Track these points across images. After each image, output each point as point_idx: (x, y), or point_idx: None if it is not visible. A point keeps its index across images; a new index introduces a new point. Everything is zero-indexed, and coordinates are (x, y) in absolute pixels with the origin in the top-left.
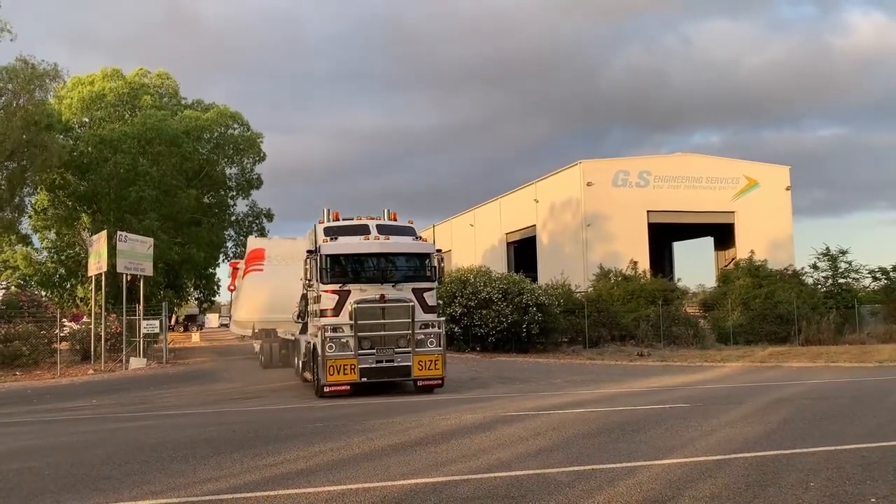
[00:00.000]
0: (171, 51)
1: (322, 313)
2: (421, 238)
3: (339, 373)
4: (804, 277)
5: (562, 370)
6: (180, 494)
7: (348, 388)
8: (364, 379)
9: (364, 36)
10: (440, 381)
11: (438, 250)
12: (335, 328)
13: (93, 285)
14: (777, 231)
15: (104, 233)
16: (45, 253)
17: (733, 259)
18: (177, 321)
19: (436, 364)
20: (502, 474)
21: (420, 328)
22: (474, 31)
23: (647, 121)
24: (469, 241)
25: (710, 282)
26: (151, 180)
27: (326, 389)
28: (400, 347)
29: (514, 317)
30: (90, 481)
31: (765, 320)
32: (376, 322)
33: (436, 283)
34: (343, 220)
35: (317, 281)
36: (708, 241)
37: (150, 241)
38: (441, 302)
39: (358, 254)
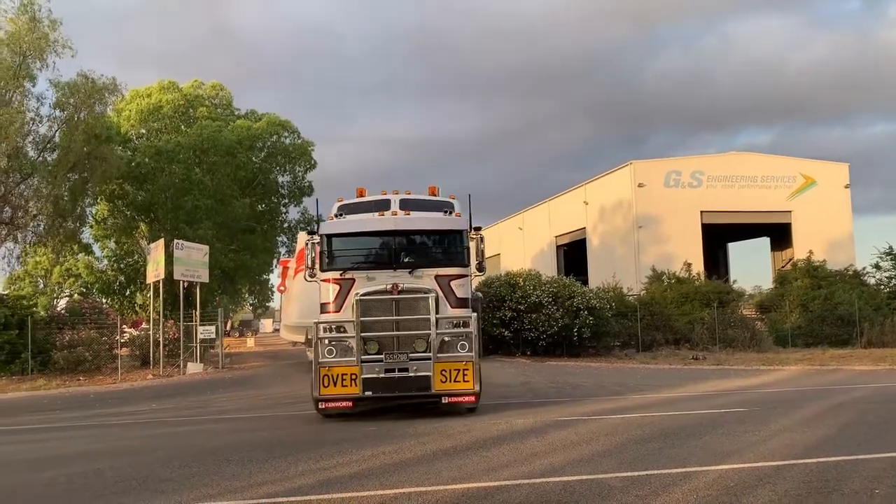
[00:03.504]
0: (215, 64)
1: (322, 308)
2: (457, 215)
3: (336, 384)
4: (866, 278)
5: (614, 374)
6: (237, 497)
7: (350, 403)
8: (368, 392)
9: (402, 45)
10: (473, 398)
11: (477, 228)
12: (333, 327)
13: (151, 292)
14: (836, 230)
15: (161, 241)
16: (105, 261)
17: (791, 259)
18: (232, 326)
19: (465, 375)
20: (555, 479)
21: (445, 327)
22: (512, 38)
23: (691, 121)
24: (518, 245)
25: (767, 283)
26: (206, 189)
27: (322, 405)
28: (417, 352)
29: (564, 321)
30: (151, 483)
31: (825, 322)
32: (387, 319)
33: (469, 268)
34: (368, 196)
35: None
36: (764, 242)
37: (206, 248)
38: (480, 294)
39: (363, 232)
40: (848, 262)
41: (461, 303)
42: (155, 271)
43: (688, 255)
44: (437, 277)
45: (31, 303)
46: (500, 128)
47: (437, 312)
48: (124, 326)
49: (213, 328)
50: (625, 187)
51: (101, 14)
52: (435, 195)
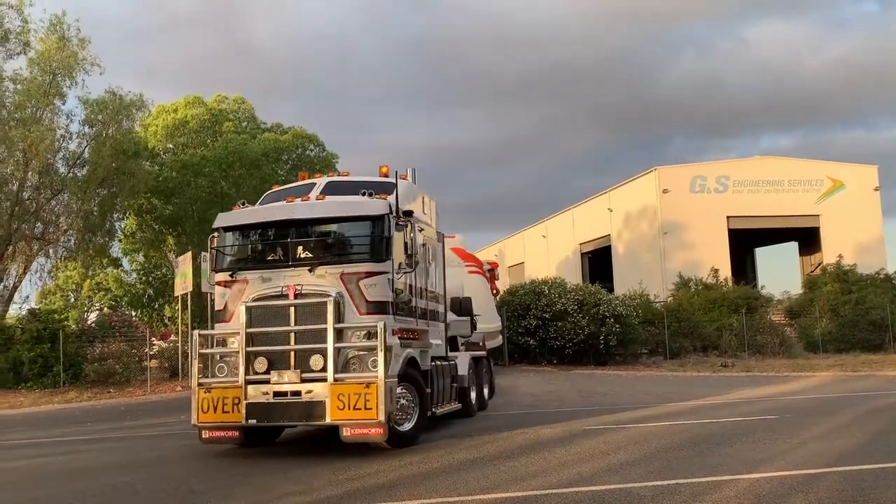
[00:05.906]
0: (233, 77)
1: (216, 317)
2: (381, 197)
3: (216, 409)
4: None
5: (642, 382)
6: None
7: (236, 433)
8: (252, 421)
9: (414, 54)
10: (380, 430)
11: (408, 213)
12: (217, 340)
13: (179, 305)
14: (866, 234)
15: (189, 254)
16: (134, 275)
17: (820, 264)
18: None
19: (366, 400)
20: (584, 489)
21: (353, 339)
22: (524, 44)
23: (710, 126)
24: (542, 253)
25: (796, 288)
26: (232, 202)
27: (205, 435)
28: (313, 371)
29: (590, 328)
30: (180, 495)
31: (856, 327)
32: (280, 330)
33: (387, 263)
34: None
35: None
36: (792, 247)
37: None
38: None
39: (255, 224)
40: (879, 266)
41: (374, 308)
42: (183, 284)
43: (714, 260)
44: (342, 276)
45: (62, 317)
46: (515, 135)
47: (340, 320)
48: (153, 339)
49: None
50: (649, 193)
51: (120, 30)
52: (386, 176)
